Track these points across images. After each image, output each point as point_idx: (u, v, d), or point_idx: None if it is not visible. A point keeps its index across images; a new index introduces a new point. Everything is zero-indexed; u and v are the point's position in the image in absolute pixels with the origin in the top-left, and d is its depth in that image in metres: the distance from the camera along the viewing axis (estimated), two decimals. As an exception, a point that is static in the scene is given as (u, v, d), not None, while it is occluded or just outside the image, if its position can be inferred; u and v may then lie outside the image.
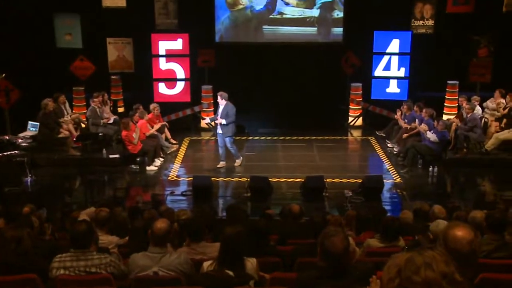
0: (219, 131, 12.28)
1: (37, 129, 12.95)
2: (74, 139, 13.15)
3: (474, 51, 14.92)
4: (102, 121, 13.57)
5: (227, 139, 12.24)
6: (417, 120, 13.24)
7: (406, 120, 13.58)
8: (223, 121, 12.01)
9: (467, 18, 14.87)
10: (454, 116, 14.04)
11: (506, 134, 12.72)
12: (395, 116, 14.03)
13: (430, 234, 5.85)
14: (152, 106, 13.85)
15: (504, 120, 13.04)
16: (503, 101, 13.48)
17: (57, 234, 7.11)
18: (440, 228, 5.28)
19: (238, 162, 12.61)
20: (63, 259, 4.73)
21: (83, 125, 14.02)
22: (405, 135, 13.19)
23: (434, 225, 6.01)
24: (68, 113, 14.05)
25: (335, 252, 3.58)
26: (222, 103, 12.07)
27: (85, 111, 14.24)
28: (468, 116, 12.79)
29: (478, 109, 13.30)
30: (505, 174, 12.16)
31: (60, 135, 13.05)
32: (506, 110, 13.12)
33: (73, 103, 14.76)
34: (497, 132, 12.89)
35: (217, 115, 12.23)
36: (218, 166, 12.54)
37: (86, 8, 15.19)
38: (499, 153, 12.71)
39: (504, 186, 11.87)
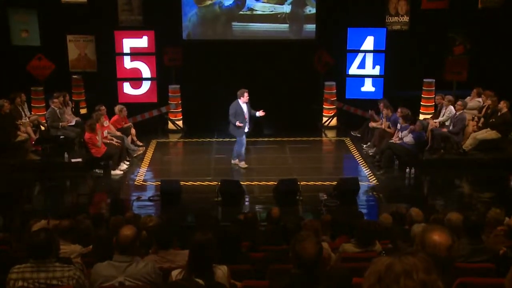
0: (247, 129, 12.22)
1: (-8, 132, 12.37)
2: (33, 142, 12.76)
3: (450, 49, 14.71)
4: (61, 123, 13.11)
5: None
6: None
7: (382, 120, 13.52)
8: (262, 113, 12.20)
9: (442, 15, 14.77)
10: (430, 116, 13.81)
11: (484, 134, 12.58)
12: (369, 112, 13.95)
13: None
14: (118, 107, 13.58)
15: (482, 120, 12.85)
16: (480, 99, 13.30)
17: (14, 245, 6.82)
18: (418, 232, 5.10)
19: (237, 161, 12.51)
20: (21, 270, 4.49)
21: (42, 128, 13.54)
22: (371, 124, 13.58)
23: (414, 229, 6.00)
24: (26, 115, 13.53)
25: (307, 258, 3.54)
26: (246, 100, 11.99)
27: (45, 112, 13.77)
28: (457, 114, 12.48)
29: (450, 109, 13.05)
30: (483, 175, 12.11)
31: (18, 139, 12.54)
32: (484, 110, 12.91)
33: (32, 104, 14.22)
34: (475, 131, 12.72)
35: (245, 112, 12.06)
36: (243, 166, 12.40)
37: (44, 2, 14.73)
38: (476, 153, 12.57)
39: (482, 187, 11.88)
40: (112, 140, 12.55)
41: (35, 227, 6.74)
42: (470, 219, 5.48)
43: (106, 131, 12.62)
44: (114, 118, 13.34)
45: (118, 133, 12.97)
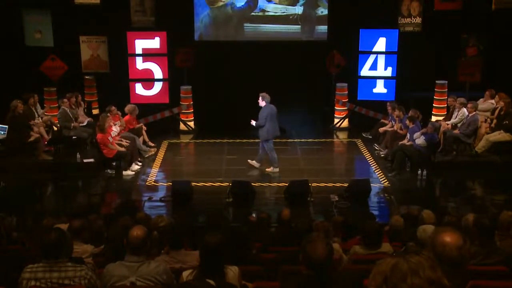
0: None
1: (5, 132, 12.42)
2: (46, 142, 12.76)
3: (463, 50, 14.61)
4: (72, 124, 13.16)
5: (263, 143, 12.05)
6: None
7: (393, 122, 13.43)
8: (253, 123, 11.92)
9: (455, 16, 14.66)
10: (443, 118, 13.72)
11: (496, 136, 12.45)
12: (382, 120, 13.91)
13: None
14: (130, 107, 13.51)
15: (494, 121, 12.71)
16: (493, 101, 13.17)
17: (27, 244, 6.88)
18: (427, 234, 5.23)
19: (271, 169, 12.22)
20: (34, 270, 4.51)
21: (55, 128, 13.56)
22: (381, 129, 13.47)
23: (421, 231, 5.92)
24: (39, 115, 13.58)
25: (317, 258, 3.51)
26: (261, 104, 11.91)
27: (57, 113, 13.69)
28: (470, 115, 12.37)
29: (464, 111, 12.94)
30: (496, 177, 11.99)
31: (31, 139, 12.58)
32: (496, 112, 12.79)
33: (45, 105, 14.26)
34: (487, 133, 12.58)
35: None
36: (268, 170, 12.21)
37: (57, 4, 14.80)
38: (489, 156, 12.44)
39: (495, 190, 11.77)
40: (122, 140, 12.56)
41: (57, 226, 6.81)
42: (481, 221, 5.42)
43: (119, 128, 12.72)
44: (126, 118, 13.32)
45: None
